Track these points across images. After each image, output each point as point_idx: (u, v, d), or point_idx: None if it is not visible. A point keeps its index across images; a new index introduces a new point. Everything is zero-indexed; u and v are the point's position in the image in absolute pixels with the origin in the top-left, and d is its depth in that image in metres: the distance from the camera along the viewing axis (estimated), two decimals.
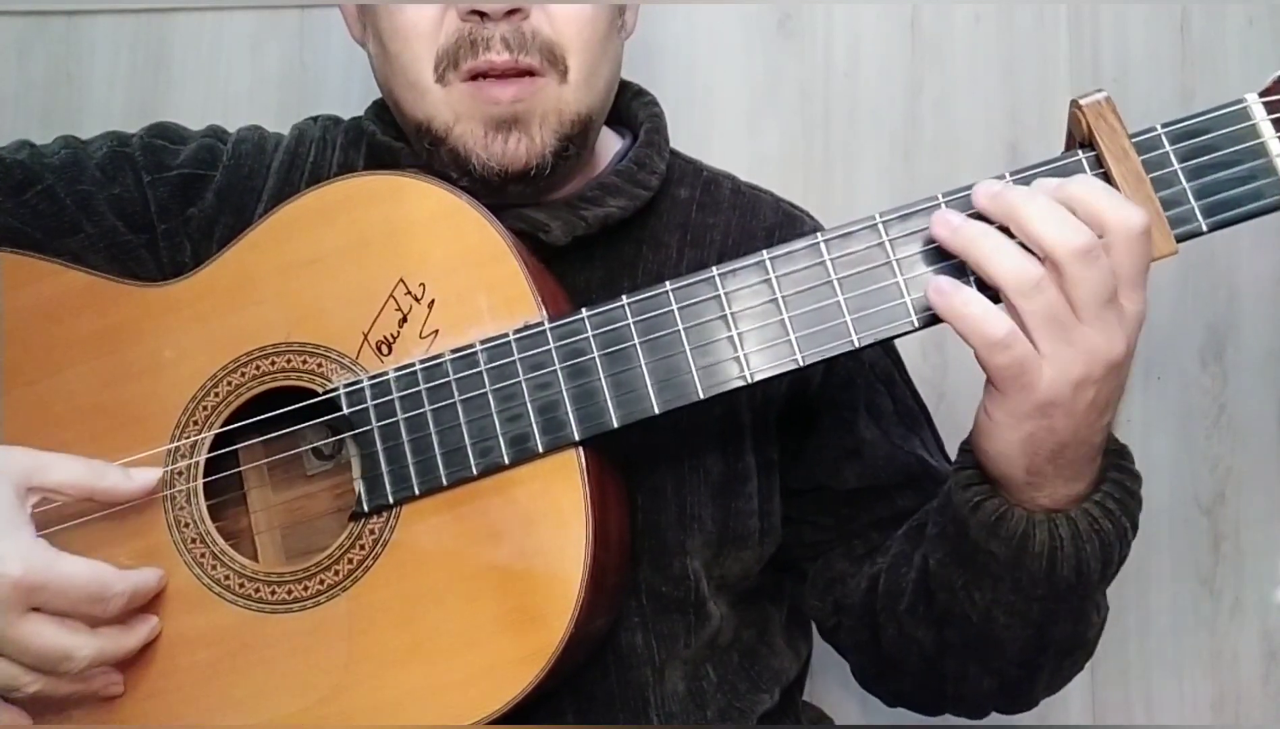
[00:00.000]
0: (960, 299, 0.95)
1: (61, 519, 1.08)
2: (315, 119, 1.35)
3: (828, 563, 1.27)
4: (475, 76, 1.14)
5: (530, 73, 1.14)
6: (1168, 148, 0.99)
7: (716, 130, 1.75)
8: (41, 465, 1.04)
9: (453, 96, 1.15)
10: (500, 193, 1.17)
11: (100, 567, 1.02)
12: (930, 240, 0.99)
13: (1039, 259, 0.94)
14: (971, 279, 0.97)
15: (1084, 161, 0.99)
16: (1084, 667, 1.18)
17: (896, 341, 1.28)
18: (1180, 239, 0.97)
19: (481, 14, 1.13)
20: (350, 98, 1.67)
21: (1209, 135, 0.99)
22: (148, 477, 1.08)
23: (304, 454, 1.17)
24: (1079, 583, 1.04)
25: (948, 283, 0.96)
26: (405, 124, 1.21)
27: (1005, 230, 0.96)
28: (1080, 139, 1.01)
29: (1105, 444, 1.03)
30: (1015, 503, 1.03)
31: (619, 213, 1.22)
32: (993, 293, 0.95)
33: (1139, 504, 1.06)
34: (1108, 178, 0.98)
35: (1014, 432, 0.98)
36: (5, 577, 0.96)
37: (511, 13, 1.13)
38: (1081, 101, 0.99)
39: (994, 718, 1.23)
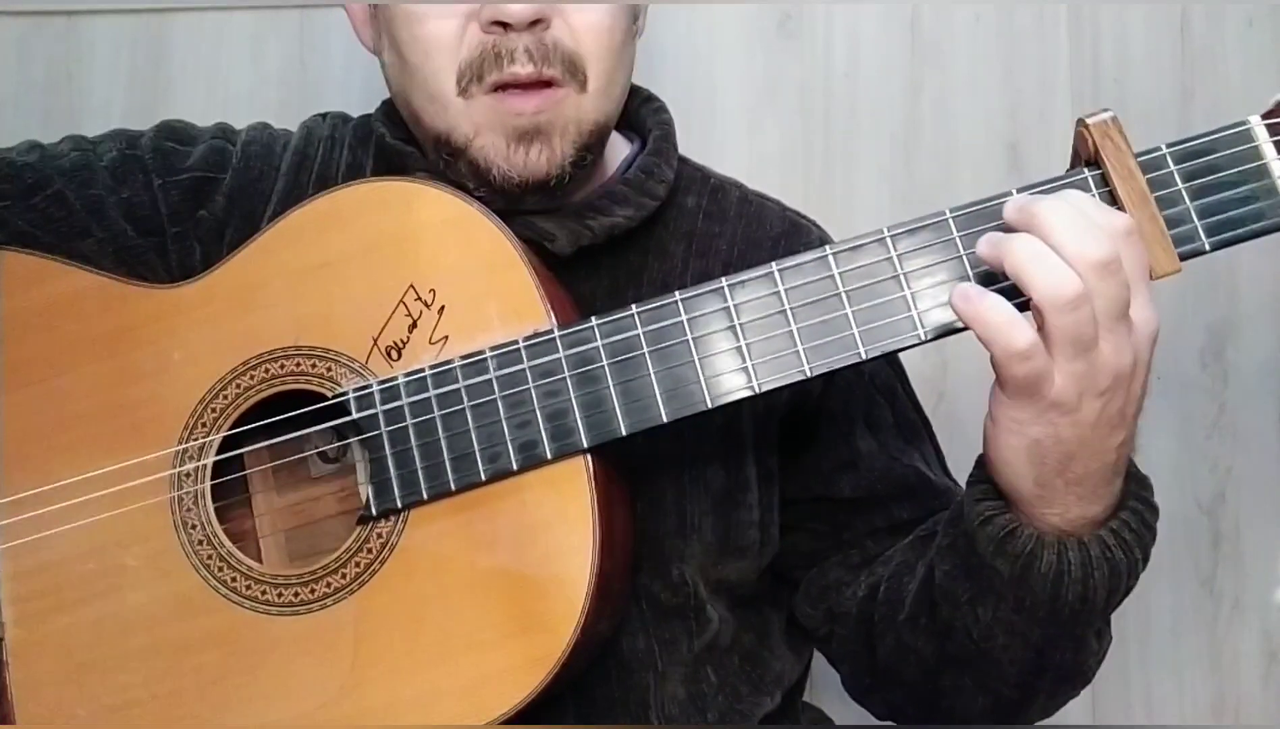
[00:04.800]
0: (985, 305, 0.93)
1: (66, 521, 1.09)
2: (324, 116, 1.34)
3: (822, 571, 1.26)
4: (498, 89, 1.14)
5: (552, 84, 1.14)
6: (1172, 167, 0.99)
7: (717, 130, 1.76)
8: None
9: (474, 109, 1.14)
10: (516, 201, 1.17)
11: None
12: (939, 255, 1.00)
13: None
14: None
15: (1090, 179, 1.00)
16: (1080, 693, 1.17)
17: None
18: (1184, 258, 0.98)
19: (505, 25, 1.12)
20: (350, 98, 1.66)
21: (1212, 156, 0.99)
22: None
23: (309, 458, 1.16)
24: (1083, 610, 1.02)
25: (974, 289, 0.95)
26: (422, 135, 1.21)
27: None
28: (1086, 157, 1.01)
29: (1126, 469, 1.01)
30: (1027, 521, 1.01)
31: (625, 223, 1.21)
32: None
33: (1153, 536, 1.04)
34: (1113, 196, 0.98)
35: (1019, 438, 0.97)
36: None
37: (534, 24, 1.13)
38: (1089, 121, 0.99)
39: None
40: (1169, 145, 1.00)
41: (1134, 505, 1.02)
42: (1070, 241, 0.92)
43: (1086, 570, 1.00)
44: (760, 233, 1.30)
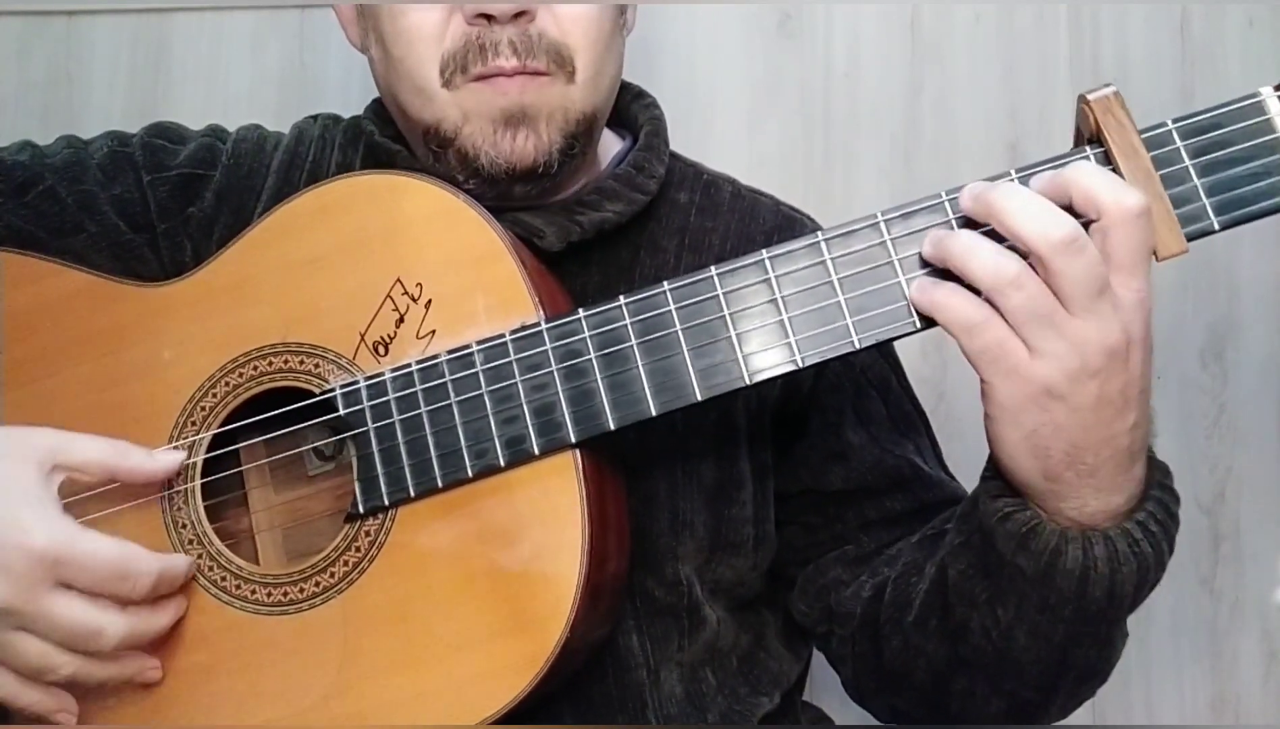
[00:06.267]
0: (941, 293, 0.94)
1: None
2: (315, 117, 1.35)
3: (819, 568, 1.25)
4: (482, 79, 1.14)
5: (538, 73, 1.14)
6: (1179, 144, 0.95)
7: (716, 130, 1.76)
8: (65, 444, 1.03)
9: (460, 96, 1.14)
10: (505, 193, 1.17)
11: (127, 545, 1.01)
12: None
13: (1023, 255, 0.92)
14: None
15: (1092, 158, 0.96)
16: (1096, 693, 1.14)
17: (897, 346, 1.29)
18: (1191, 238, 0.94)
19: (489, 17, 1.12)
20: (350, 98, 1.67)
21: (1221, 130, 0.95)
22: (171, 459, 1.07)
23: (305, 454, 1.16)
24: (1109, 606, 0.99)
25: (929, 280, 0.95)
26: (410, 128, 1.21)
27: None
28: (1088, 135, 0.98)
29: (1146, 457, 0.99)
30: (1047, 517, 0.98)
31: (615, 218, 1.21)
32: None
33: (1177, 525, 1.02)
34: (1116, 174, 0.95)
35: (1015, 429, 0.95)
36: (29, 547, 0.96)
37: (518, 15, 1.13)
38: (1090, 96, 0.96)
39: None
40: (1175, 120, 0.96)
41: (1157, 495, 1.00)
42: (1028, 225, 0.91)
43: (1114, 565, 0.97)
44: (753, 227, 1.29)
